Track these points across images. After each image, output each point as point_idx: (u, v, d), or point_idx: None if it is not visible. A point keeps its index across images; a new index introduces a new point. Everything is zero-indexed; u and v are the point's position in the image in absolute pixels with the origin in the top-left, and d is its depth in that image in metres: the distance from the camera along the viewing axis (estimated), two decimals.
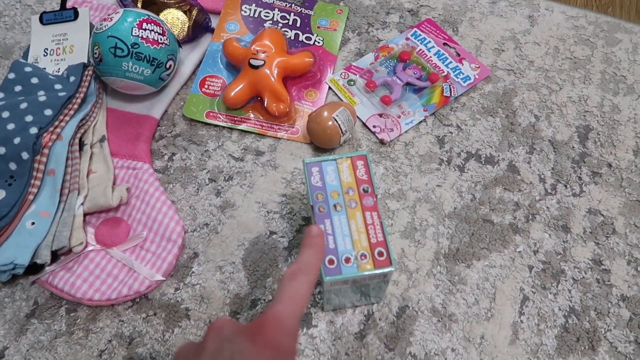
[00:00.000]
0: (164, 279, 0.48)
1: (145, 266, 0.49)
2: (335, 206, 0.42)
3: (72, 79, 0.55)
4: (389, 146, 0.57)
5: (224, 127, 0.58)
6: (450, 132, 0.58)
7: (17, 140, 0.49)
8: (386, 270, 0.39)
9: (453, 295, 0.48)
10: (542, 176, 0.55)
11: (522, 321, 0.47)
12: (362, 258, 0.40)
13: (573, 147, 0.57)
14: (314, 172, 0.43)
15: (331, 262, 0.40)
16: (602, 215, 0.53)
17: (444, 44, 0.64)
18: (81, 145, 0.54)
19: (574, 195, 0.54)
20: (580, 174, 0.55)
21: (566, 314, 0.48)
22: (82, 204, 0.50)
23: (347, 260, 0.40)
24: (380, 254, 0.40)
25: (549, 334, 0.47)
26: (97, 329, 0.47)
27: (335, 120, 0.53)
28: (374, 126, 0.58)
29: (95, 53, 0.53)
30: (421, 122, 0.58)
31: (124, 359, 0.45)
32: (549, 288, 0.49)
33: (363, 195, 0.42)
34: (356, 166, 0.44)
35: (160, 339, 0.46)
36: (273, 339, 0.30)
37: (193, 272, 0.50)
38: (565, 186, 0.54)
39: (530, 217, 0.52)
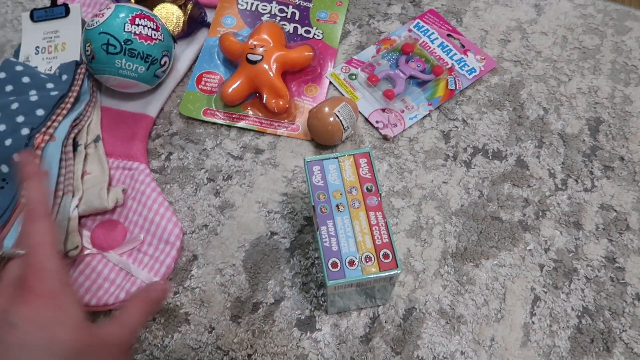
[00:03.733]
0: (162, 282, 0.47)
1: (143, 270, 0.47)
2: (337, 206, 0.40)
3: (64, 77, 0.54)
4: (392, 142, 0.55)
5: (222, 124, 0.56)
6: (456, 127, 0.56)
7: (8, 142, 0.48)
8: (392, 273, 0.38)
9: (461, 296, 0.47)
10: (552, 171, 0.53)
11: (533, 322, 0.46)
12: (367, 260, 0.38)
13: (584, 141, 0.55)
14: (315, 171, 0.42)
15: (335, 265, 0.38)
16: (615, 210, 0.51)
17: (448, 35, 0.62)
18: (75, 145, 0.52)
19: (585, 190, 0.52)
20: (592, 168, 0.53)
21: (579, 314, 0.46)
22: (76, 206, 0.49)
23: (351, 263, 0.38)
24: (386, 255, 0.38)
25: (561, 335, 0.45)
26: None
27: (337, 116, 0.51)
28: (377, 121, 0.56)
29: (87, 50, 0.52)
30: (425, 116, 0.56)
31: None
32: (561, 287, 0.47)
33: (367, 195, 0.41)
34: (359, 164, 0.42)
35: (159, 345, 0.45)
36: (40, 289, 0.29)
37: (192, 275, 0.48)
38: (576, 181, 0.52)
39: (541, 213, 0.51)
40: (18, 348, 0.28)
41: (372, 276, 0.37)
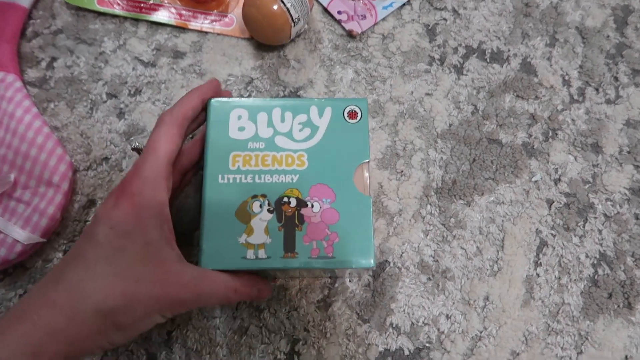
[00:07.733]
0: (45, 240, 0.34)
1: (16, 224, 0.34)
2: None
3: None
4: (360, 40, 0.41)
5: (125, 17, 0.41)
6: (444, 19, 0.42)
7: None
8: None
9: (448, 244, 0.36)
10: (567, 77, 0.41)
11: (538, 275, 0.36)
12: None
13: (608, 37, 0.42)
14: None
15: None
16: None
17: None
18: None
19: (607, 102, 0.40)
20: (617, 73, 0.41)
21: (595, 262, 0.36)
22: None
23: None
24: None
25: (572, 289, 0.35)
26: None
27: (283, 3, 0.37)
28: (339, 12, 0.41)
29: None
30: (404, 5, 0.42)
31: None
32: (573, 229, 0.37)
33: None
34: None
35: None
36: (130, 188, 0.27)
37: None
38: (597, 90, 0.40)
39: (550, 133, 0.39)
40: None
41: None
